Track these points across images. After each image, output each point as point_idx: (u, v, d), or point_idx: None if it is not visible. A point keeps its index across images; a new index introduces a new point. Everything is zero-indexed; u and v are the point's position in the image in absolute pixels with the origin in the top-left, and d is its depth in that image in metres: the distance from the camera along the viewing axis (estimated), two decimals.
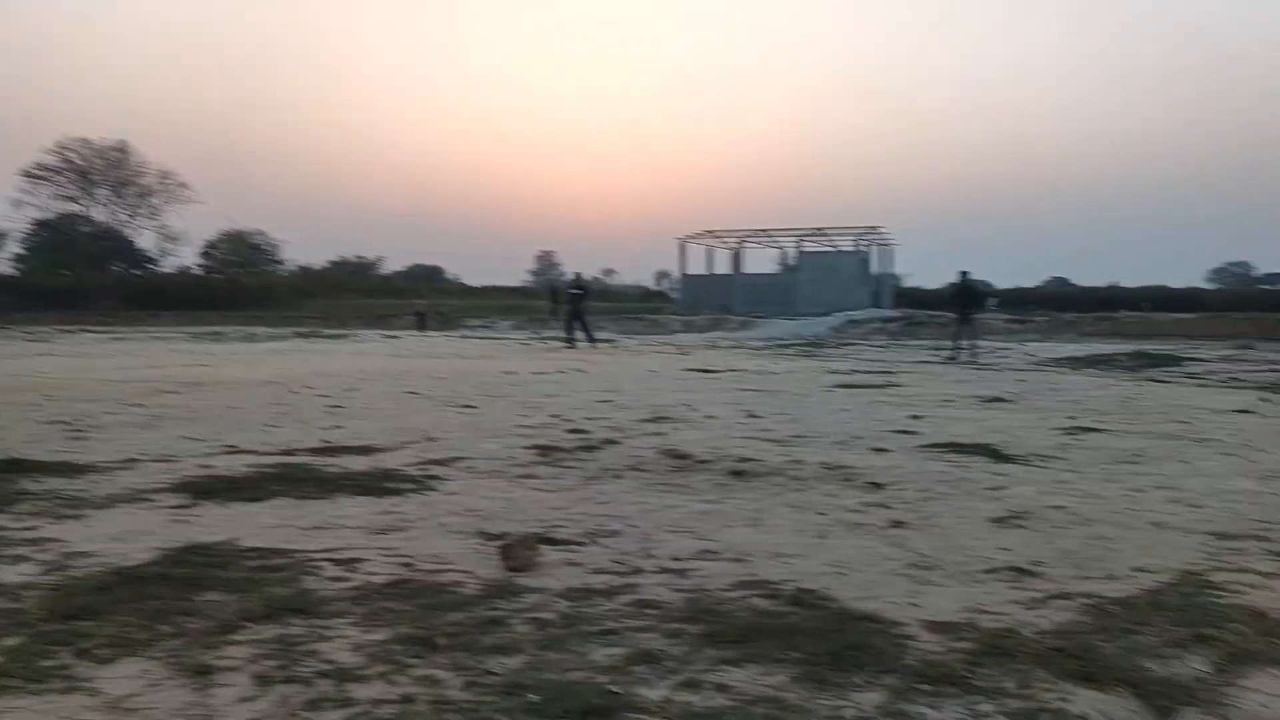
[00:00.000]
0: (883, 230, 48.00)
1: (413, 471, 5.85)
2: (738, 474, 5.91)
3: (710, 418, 8.75)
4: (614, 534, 4.37)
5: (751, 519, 4.73)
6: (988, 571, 3.76)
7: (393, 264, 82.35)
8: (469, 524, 4.52)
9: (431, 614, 3.12)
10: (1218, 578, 3.65)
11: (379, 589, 3.40)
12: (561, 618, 3.12)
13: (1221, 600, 3.34)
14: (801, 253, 48.26)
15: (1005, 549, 4.11)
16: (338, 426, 7.92)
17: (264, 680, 2.56)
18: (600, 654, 2.77)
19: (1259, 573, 3.74)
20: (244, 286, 52.06)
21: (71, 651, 2.72)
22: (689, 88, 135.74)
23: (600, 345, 24.02)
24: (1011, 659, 2.72)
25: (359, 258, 79.03)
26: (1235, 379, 13.98)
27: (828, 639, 2.84)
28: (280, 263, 72.08)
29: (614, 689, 2.49)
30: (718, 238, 49.32)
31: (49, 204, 60.69)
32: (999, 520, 4.68)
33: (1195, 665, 2.72)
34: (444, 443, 7.08)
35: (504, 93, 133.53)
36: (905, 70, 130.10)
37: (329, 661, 2.69)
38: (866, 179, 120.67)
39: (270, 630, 2.93)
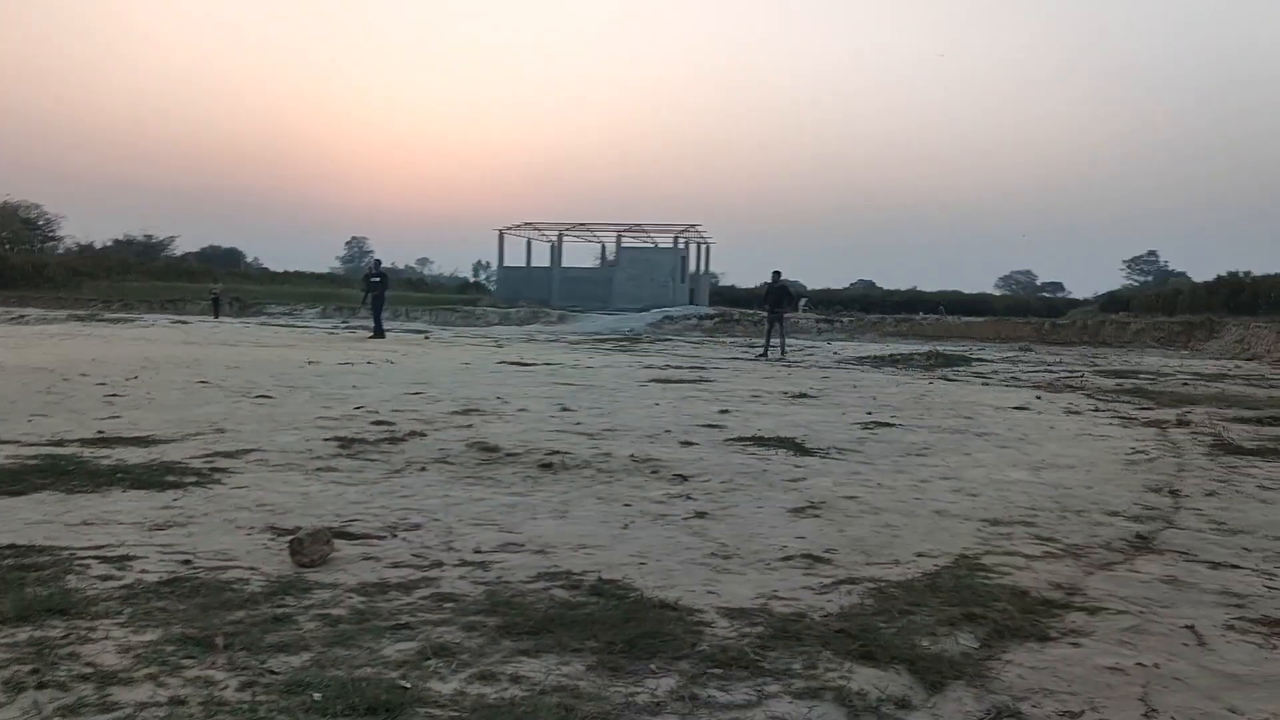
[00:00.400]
0: (700, 229, 49.15)
1: (198, 464, 5.50)
2: (546, 466, 5.89)
3: (522, 411, 8.69)
4: (415, 527, 4.26)
5: (558, 511, 4.71)
6: (783, 559, 3.89)
7: (186, 245, 77.36)
8: (258, 519, 4.29)
9: (210, 613, 2.93)
10: (989, 561, 3.92)
11: (152, 587, 3.17)
12: (353, 613, 2.99)
13: (990, 581, 3.59)
14: (620, 248, 48.74)
15: (801, 537, 4.27)
16: (115, 416, 7.35)
17: (14, 686, 2.32)
18: (392, 649, 2.68)
19: (1024, 555, 4.04)
20: (13, 264, 47.55)
21: None
22: (513, 76, 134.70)
23: (385, 337, 23.34)
24: (800, 641, 2.82)
25: (147, 236, 73.72)
26: (1015, 378, 15.16)
27: (625, 628, 2.85)
28: (57, 240, 66.38)
29: (403, 684, 2.41)
30: (537, 230, 49.08)
31: None
32: (797, 510, 4.86)
33: (964, 642, 2.90)
34: (235, 434, 6.69)
35: (317, 69, 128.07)
36: (729, 76, 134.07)
37: (91, 664, 2.47)
38: (686, 178, 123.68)
39: (24, 633, 2.67)
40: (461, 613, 3.03)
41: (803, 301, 45.97)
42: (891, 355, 20.33)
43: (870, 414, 9.31)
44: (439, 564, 3.66)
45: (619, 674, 2.55)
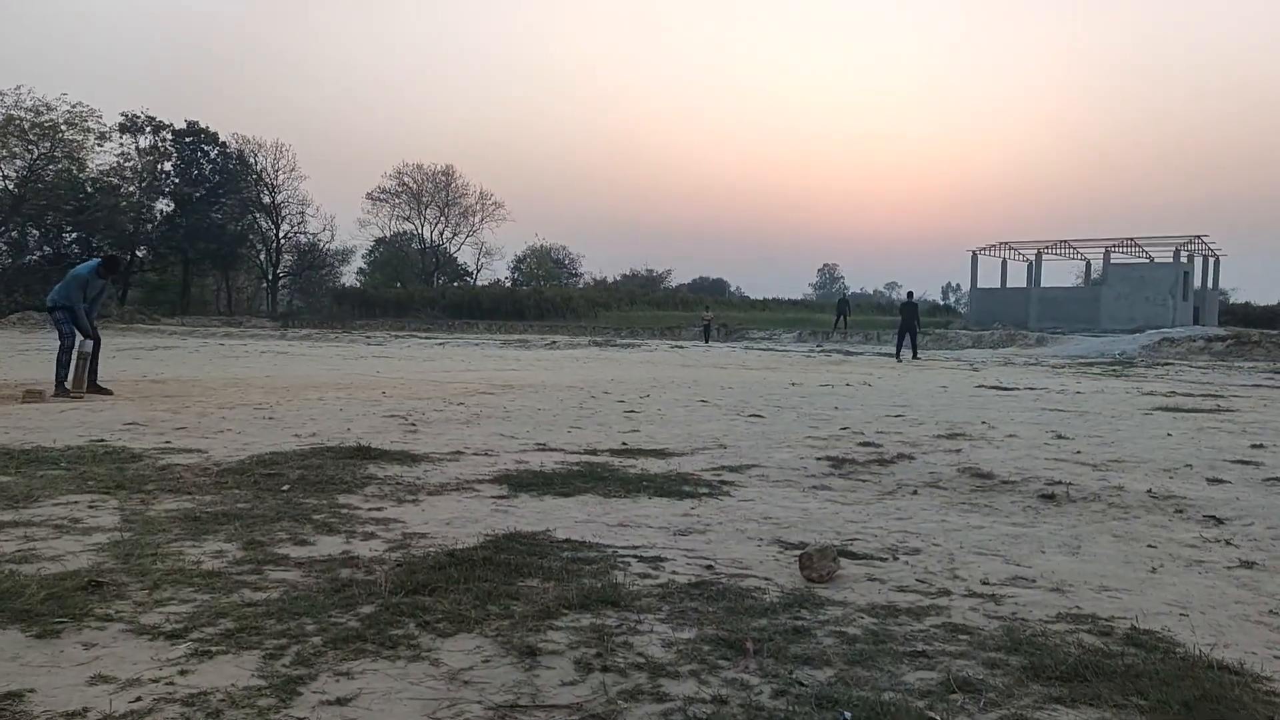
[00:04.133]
0: (1206, 240, 43.29)
1: (708, 476, 5.95)
2: (1048, 497, 5.51)
3: (1011, 436, 8.25)
4: (915, 552, 4.20)
5: (1068, 546, 4.38)
6: None
7: (679, 277, 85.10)
8: (766, 531, 4.52)
9: (736, 617, 3.13)
10: None
11: (684, 588, 3.47)
12: (867, 634, 3.02)
13: None
14: (1108, 264, 44.48)
15: None
16: (634, 430, 8.22)
17: (584, 666, 2.67)
18: (913, 676, 2.66)
19: None
20: (547, 298, 55.59)
21: (416, 623, 2.98)
22: (979, 87, 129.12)
23: (917, 361, 24.24)
24: None
25: (649, 271, 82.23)
26: None
27: (1177, 687, 2.54)
28: (578, 276, 76.76)
29: (931, 715, 2.37)
30: (1013, 249, 46.65)
31: (387, 223, 69.10)
32: None
33: None
34: (735, 450, 7.15)
35: (785, 106, 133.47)
36: (1233, 62, 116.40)
37: (642, 655, 2.77)
38: (1186, 183, 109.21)
39: (586, 619, 3.07)
40: (979, 647, 2.92)
41: None
42: None
43: None
44: (946, 592, 3.57)
45: None
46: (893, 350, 27.37)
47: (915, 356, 25.91)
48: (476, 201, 69.30)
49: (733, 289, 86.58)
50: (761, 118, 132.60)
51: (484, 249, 71.99)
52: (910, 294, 28.31)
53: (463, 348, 27.74)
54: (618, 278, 78.57)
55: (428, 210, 69.47)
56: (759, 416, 9.62)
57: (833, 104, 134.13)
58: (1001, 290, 47.29)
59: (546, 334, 37.69)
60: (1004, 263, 47.53)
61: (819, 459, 6.77)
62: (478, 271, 72.42)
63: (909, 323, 26.09)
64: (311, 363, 18.61)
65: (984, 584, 3.69)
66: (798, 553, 3.90)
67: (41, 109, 49.70)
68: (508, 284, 69.89)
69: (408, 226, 70.44)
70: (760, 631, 3.00)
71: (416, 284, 64.37)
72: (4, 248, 52.11)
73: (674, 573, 3.70)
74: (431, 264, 69.68)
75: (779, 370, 19.15)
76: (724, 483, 5.77)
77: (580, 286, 71.55)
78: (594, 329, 42.35)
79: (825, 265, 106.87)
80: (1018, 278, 47.16)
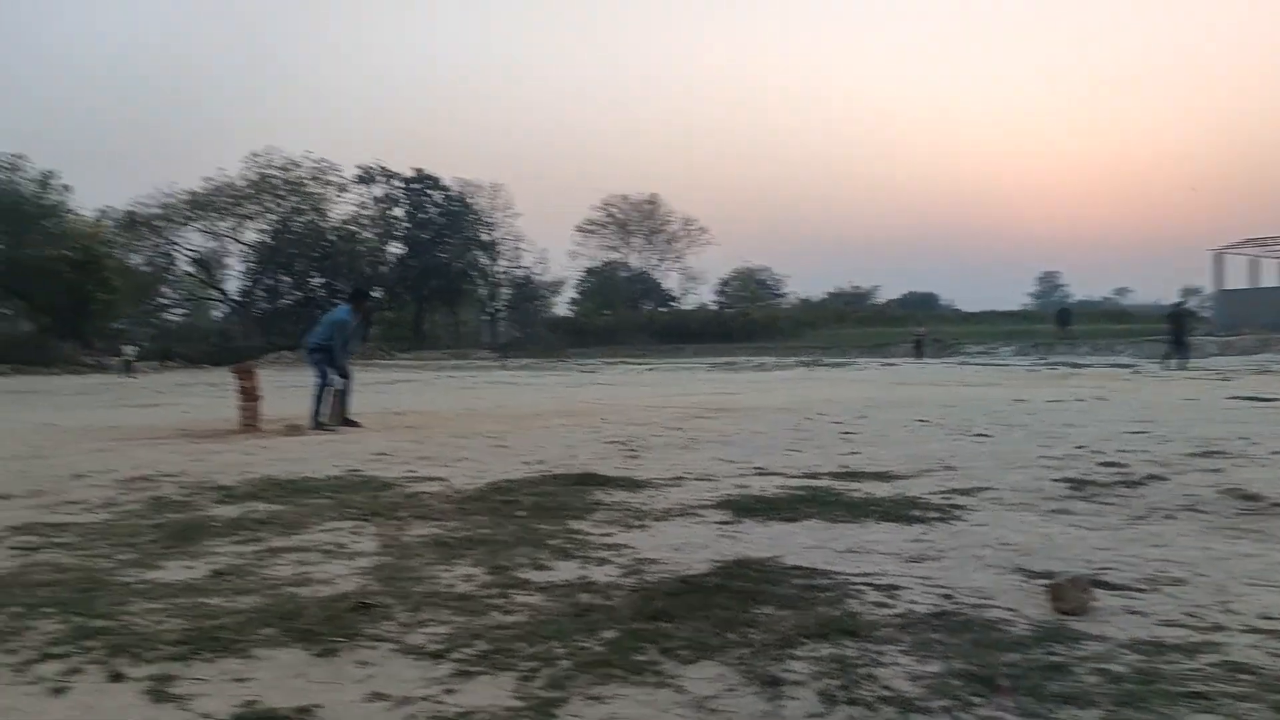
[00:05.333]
0: None
1: (936, 500, 5.74)
2: None
3: (1278, 454, 7.47)
4: (1179, 582, 3.88)
5: None
6: None
7: (887, 292, 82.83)
8: (1004, 558, 4.31)
9: (984, 651, 3.00)
10: None
11: (924, 619, 3.36)
12: (1135, 672, 2.81)
13: None
14: None
15: None
16: (854, 452, 8.05)
17: (828, 699, 2.64)
18: None
19: None
20: (753, 319, 55.68)
21: (658, 649, 3.04)
22: (1217, 69, 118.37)
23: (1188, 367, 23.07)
24: None
25: (855, 287, 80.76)
26: None
27: None
28: (783, 296, 76.56)
29: None
30: (1265, 246, 42.42)
31: (596, 253, 71.82)
32: None
33: None
34: (964, 472, 6.86)
35: (990, 105, 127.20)
36: None
37: (888, 688, 2.70)
38: None
39: (826, 649, 3.02)
40: (1266, 689, 2.66)
41: None
42: None
43: None
44: (1220, 627, 3.27)
45: None
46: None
47: (1181, 367, 24.51)
48: (681, 228, 70.64)
49: (944, 302, 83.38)
50: (966, 119, 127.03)
51: (689, 273, 73.17)
52: (1178, 302, 28.36)
53: (673, 372, 28.20)
54: (823, 296, 77.63)
55: (634, 239, 71.38)
56: (985, 436, 9.20)
57: (1043, 96, 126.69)
58: (1251, 291, 43.26)
59: (754, 355, 37.66)
60: (1253, 261, 43.42)
61: (1055, 480, 6.40)
62: (684, 296, 73.58)
63: (1174, 331, 26.08)
64: (534, 391, 19.44)
65: (1264, 619, 3.36)
66: (1043, 582, 3.70)
67: (290, 166, 55.07)
68: (713, 307, 70.44)
69: (615, 255, 72.64)
70: (1013, 667, 2.85)
71: (625, 311, 66.05)
72: (262, 294, 57.71)
73: (911, 602, 3.59)
74: (639, 291, 71.36)
75: (1000, 386, 18.26)
76: (954, 506, 5.55)
77: (786, 306, 71.18)
78: (801, 349, 41.94)
79: (1045, 273, 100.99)
80: (1270, 277, 42.97)
